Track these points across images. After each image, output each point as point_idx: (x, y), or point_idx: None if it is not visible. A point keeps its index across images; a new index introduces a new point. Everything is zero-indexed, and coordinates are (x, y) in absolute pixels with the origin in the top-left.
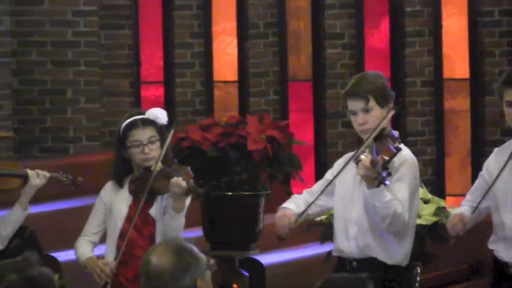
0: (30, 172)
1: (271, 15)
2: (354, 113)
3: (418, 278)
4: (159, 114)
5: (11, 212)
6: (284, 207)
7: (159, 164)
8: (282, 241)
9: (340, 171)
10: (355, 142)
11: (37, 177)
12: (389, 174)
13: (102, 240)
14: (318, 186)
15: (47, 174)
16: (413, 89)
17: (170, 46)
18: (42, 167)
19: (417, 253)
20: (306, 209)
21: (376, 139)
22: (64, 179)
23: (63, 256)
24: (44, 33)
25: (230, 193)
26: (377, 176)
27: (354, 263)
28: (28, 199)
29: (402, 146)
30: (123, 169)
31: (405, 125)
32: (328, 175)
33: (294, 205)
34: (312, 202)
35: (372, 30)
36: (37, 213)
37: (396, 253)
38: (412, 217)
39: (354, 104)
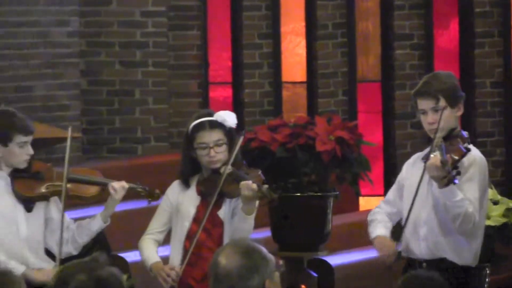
0: (112, 190)
1: (340, 16)
2: (424, 112)
3: (487, 279)
4: (227, 117)
5: (91, 223)
6: (378, 236)
7: (229, 166)
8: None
9: (421, 181)
10: (425, 143)
11: (116, 193)
12: (458, 173)
13: (166, 240)
14: (392, 193)
15: (126, 186)
16: (483, 90)
17: (238, 47)
18: (110, 168)
19: (486, 254)
20: (402, 234)
21: (445, 139)
22: (141, 190)
23: (131, 256)
24: (112, 34)
25: (298, 194)
26: (446, 175)
27: (424, 264)
28: (111, 213)
29: (471, 146)
30: (190, 169)
31: (474, 126)
32: (398, 178)
33: (384, 229)
34: (404, 226)
35: (441, 31)
36: None
37: (466, 253)
38: (481, 217)
39: (425, 103)
